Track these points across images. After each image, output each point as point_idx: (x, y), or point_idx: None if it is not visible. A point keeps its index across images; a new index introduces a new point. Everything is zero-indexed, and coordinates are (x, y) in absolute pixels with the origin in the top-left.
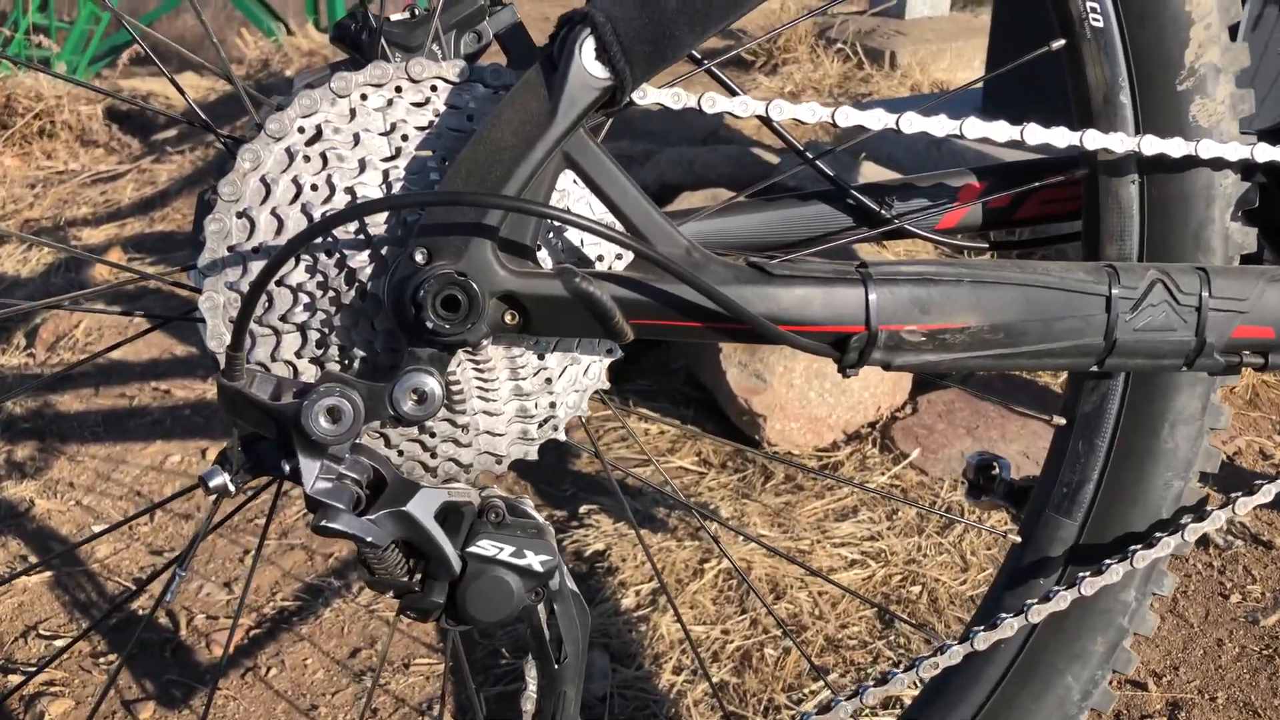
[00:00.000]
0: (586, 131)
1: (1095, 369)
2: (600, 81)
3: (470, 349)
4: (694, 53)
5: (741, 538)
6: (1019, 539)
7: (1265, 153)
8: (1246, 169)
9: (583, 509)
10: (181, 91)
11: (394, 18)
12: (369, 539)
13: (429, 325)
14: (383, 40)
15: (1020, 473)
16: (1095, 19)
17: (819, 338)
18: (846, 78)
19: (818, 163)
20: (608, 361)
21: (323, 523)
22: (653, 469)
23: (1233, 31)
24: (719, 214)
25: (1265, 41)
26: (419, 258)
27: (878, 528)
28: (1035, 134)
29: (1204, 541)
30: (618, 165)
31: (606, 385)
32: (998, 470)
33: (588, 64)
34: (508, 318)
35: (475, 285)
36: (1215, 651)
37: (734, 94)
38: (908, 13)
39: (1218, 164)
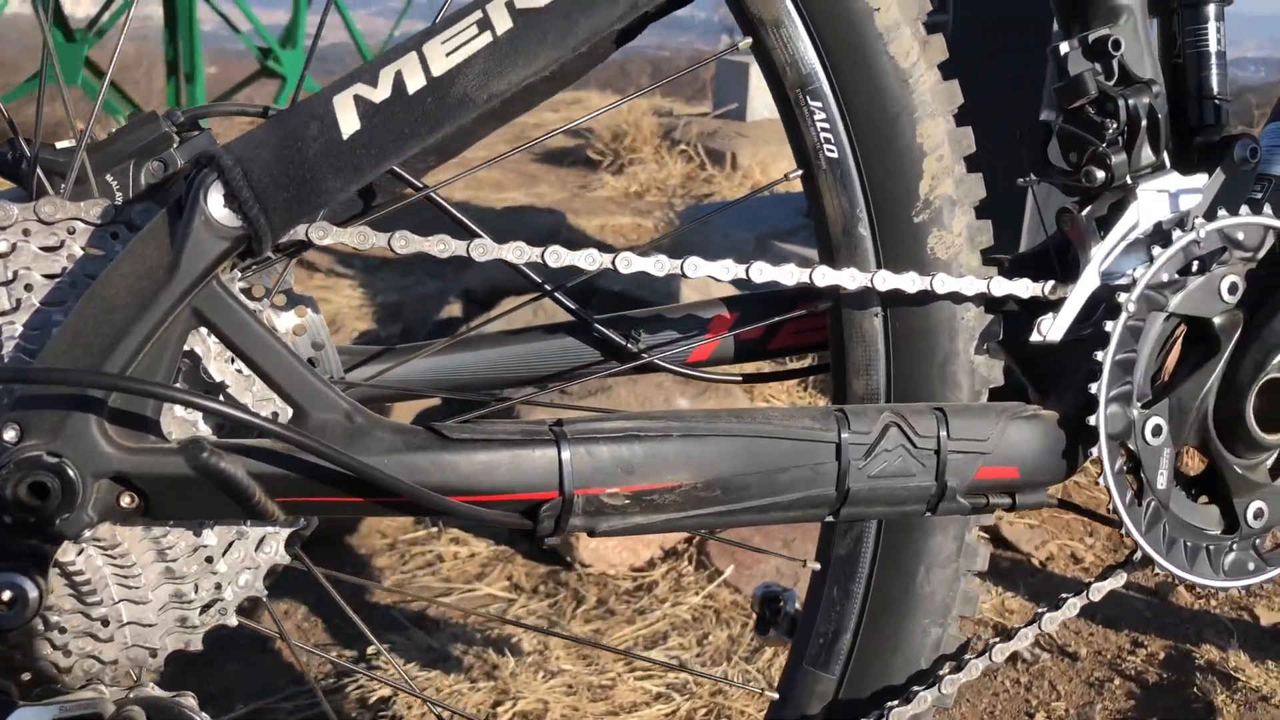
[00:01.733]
0: (222, 285)
1: (832, 518)
2: (231, 231)
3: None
4: (416, 181)
5: (542, 674)
6: (776, 695)
7: (1001, 286)
8: (991, 301)
9: (371, 649)
10: None
11: (59, 145)
12: None
13: (6, 518)
14: (39, 171)
15: None
16: (830, 150)
17: (506, 507)
18: (690, 178)
19: (557, 294)
20: (287, 533)
21: None
22: (457, 597)
23: (969, 162)
24: (454, 348)
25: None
26: (8, 436)
27: (687, 654)
28: (761, 271)
29: (1013, 657)
30: (260, 322)
31: (286, 559)
32: (783, 603)
33: (215, 212)
34: (124, 500)
35: (72, 467)
36: None
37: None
38: (749, 115)
39: (958, 297)
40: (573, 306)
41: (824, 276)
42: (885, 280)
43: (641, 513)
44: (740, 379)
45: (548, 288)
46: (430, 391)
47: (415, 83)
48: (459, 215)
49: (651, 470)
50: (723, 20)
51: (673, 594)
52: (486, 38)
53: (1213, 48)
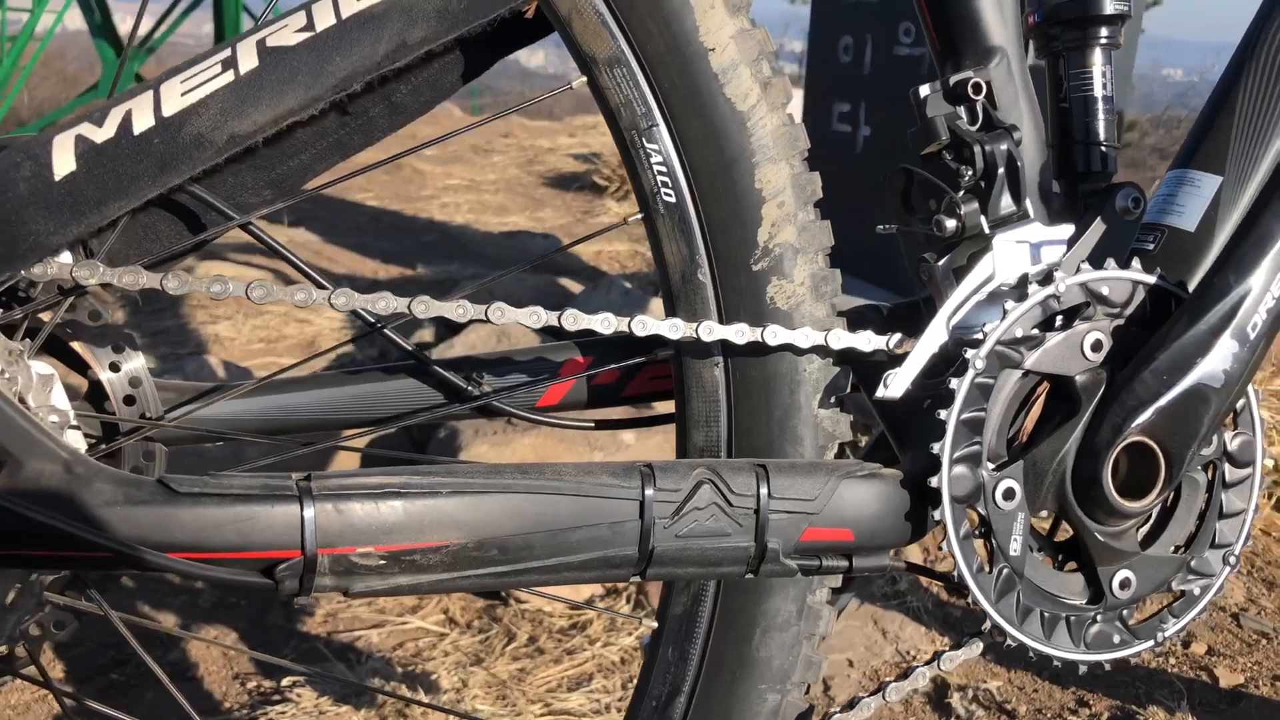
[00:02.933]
0: None
1: (639, 579)
2: None
3: None
4: (229, 212)
5: (454, 718)
6: None
7: (840, 339)
8: (840, 354)
9: (287, 680)
10: None
11: None
12: None
13: None
14: None
15: None
16: (667, 194)
17: (243, 565)
18: None
19: (387, 331)
20: (49, 578)
21: None
22: (388, 629)
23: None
24: (288, 388)
25: None
26: None
27: (610, 698)
28: (575, 319)
29: (946, 711)
30: None
31: (49, 602)
32: None
33: None
34: None
35: None
36: None
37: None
38: None
39: (795, 349)
40: (408, 347)
41: (643, 326)
42: (711, 331)
43: (403, 573)
44: (592, 425)
45: (378, 325)
46: (255, 434)
47: (143, 123)
48: (280, 247)
49: (414, 529)
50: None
51: (606, 634)
52: (228, 77)
53: (1099, 93)
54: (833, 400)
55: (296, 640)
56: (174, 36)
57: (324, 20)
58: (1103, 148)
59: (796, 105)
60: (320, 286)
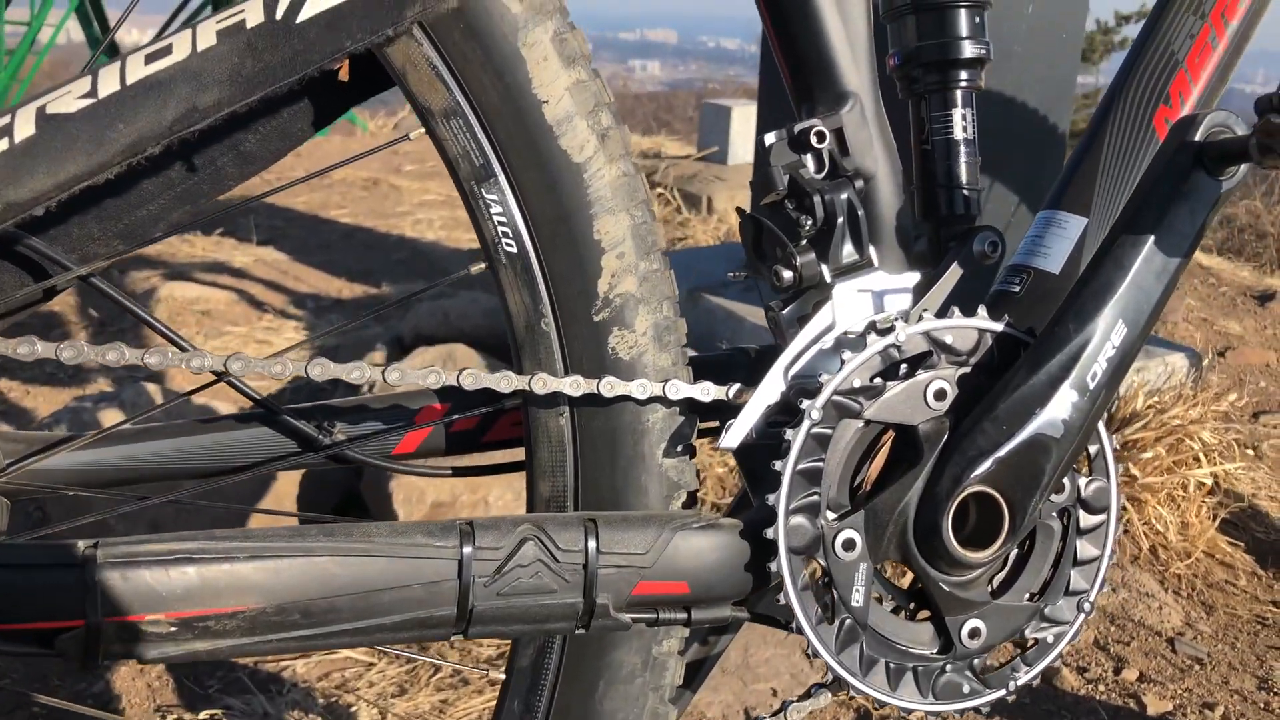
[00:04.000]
0: None
1: (461, 637)
2: None
3: None
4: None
5: None
6: None
7: (678, 389)
8: (686, 404)
9: (205, 713)
10: None
11: None
12: None
13: None
14: None
15: None
16: (509, 244)
17: (26, 636)
18: (666, 221)
19: (233, 379)
20: None
21: None
22: (315, 659)
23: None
24: (138, 437)
25: None
26: None
27: None
28: (404, 374)
29: None
30: None
31: None
32: None
33: None
34: None
35: None
36: None
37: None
38: (730, 158)
39: (632, 400)
40: (257, 396)
41: (474, 380)
42: (544, 384)
43: (198, 639)
44: (450, 472)
45: (222, 370)
46: (104, 485)
47: None
48: (124, 300)
49: (208, 595)
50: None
51: None
52: (2, 145)
53: (959, 135)
54: (679, 449)
55: (224, 671)
56: None
57: (108, 86)
58: (964, 191)
59: (750, 116)
60: (177, 347)
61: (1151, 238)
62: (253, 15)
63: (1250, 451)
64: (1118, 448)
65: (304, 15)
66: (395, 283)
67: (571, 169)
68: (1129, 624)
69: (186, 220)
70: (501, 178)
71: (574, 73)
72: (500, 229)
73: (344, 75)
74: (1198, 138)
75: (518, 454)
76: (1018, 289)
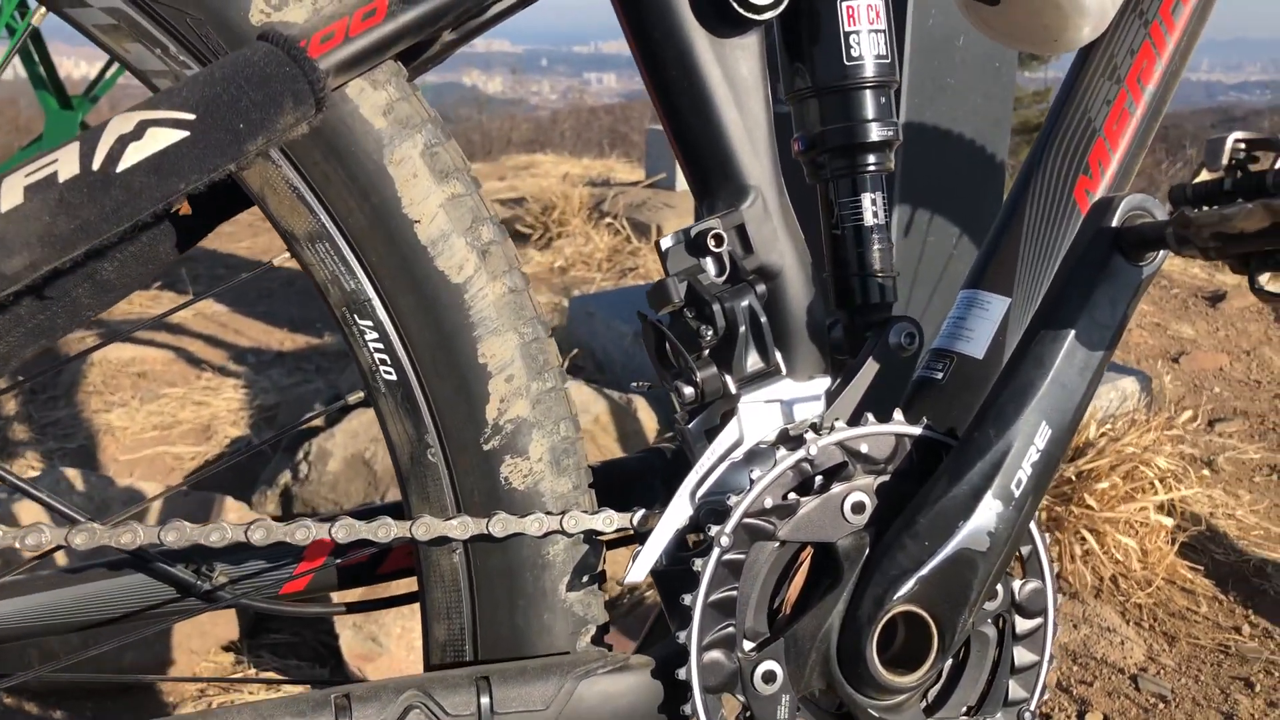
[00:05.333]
0: None
1: None
2: None
3: None
4: None
5: None
6: None
7: (577, 521)
8: (587, 533)
9: None
10: None
11: None
12: None
13: None
14: None
15: None
16: (388, 371)
17: None
18: (616, 250)
19: (95, 525)
20: None
21: None
22: None
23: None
24: (2, 594)
25: None
26: None
27: None
28: (268, 533)
29: None
30: None
31: None
32: None
33: None
34: None
35: None
36: None
37: None
38: (678, 184)
39: (539, 535)
40: (128, 551)
41: (347, 531)
42: (428, 529)
43: None
44: (344, 608)
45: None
46: None
47: None
48: (21, 483)
49: None
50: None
51: None
52: None
53: (870, 221)
54: (584, 580)
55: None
56: (123, 80)
57: None
58: (878, 278)
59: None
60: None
61: (1072, 332)
62: (66, 167)
63: (1206, 470)
64: (1073, 478)
65: (126, 164)
66: (337, 331)
67: (450, 290)
68: (1091, 662)
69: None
70: (375, 302)
71: (448, 187)
72: (377, 356)
73: (185, 211)
74: (1114, 223)
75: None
76: (941, 376)
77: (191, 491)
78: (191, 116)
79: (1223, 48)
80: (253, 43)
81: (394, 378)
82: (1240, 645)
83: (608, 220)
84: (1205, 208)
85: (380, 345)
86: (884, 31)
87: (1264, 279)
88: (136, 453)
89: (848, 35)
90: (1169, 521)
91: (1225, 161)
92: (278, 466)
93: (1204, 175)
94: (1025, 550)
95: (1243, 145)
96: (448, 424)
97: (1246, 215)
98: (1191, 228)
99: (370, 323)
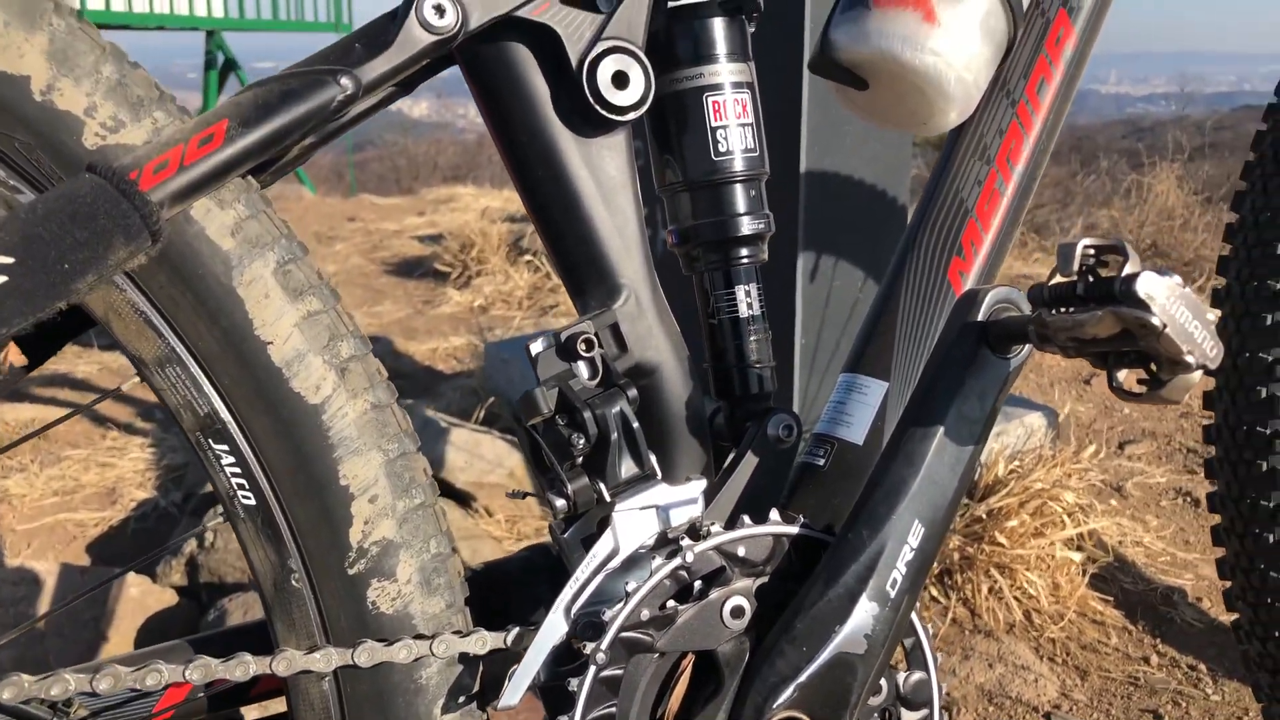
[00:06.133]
0: None
1: None
2: None
3: None
4: None
5: None
6: None
7: (448, 645)
8: (463, 655)
9: None
10: None
11: None
12: None
13: None
14: None
15: None
16: (246, 496)
17: None
18: (536, 288)
19: None
20: None
21: None
22: None
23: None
24: None
25: None
26: None
27: None
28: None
29: None
30: None
31: None
32: None
33: None
34: None
35: None
36: None
37: None
38: None
39: (408, 662)
40: None
41: (204, 673)
42: (290, 664)
43: None
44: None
45: None
46: None
47: None
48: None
49: None
50: None
51: None
52: None
53: (745, 313)
54: (460, 702)
55: None
56: None
57: None
58: (755, 369)
59: None
60: None
61: (941, 429)
62: None
63: (1113, 500)
64: (983, 516)
65: None
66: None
67: (308, 411)
68: (1006, 701)
69: None
70: (231, 426)
71: (303, 305)
72: (235, 481)
73: (19, 361)
74: (980, 316)
75: None
76: (823, 462)
77: (88, 569)
78: (10, 260)
79: (1129, 60)
80: (79, 175)
81: (253, 502)
82: (1149, 676)
83: (527, 258)
84: (1061, 310)
85: (238, 470)
86: (751, 125)
87: (1122, 375)
88: (35, 521)
89: (714, 130)
90: (1078, 556)
91: (1076, 267)
92: (185, 529)
93: (1059, 278)
94: (909, 642)
95: (1092, 251)
96: (310, 549)
97: (1097, 322)
98: (1049, 329)
99: (226, 447)
